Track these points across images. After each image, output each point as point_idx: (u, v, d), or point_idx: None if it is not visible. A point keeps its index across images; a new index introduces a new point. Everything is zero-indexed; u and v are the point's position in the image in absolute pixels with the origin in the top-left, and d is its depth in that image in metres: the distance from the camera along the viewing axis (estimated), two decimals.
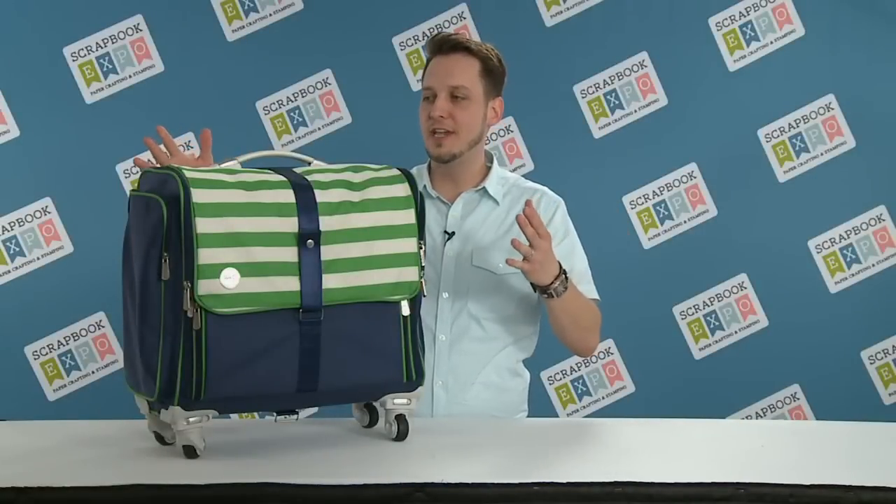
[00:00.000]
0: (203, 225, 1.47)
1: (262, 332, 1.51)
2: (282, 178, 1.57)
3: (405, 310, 1.62)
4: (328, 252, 1.55)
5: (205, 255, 1.47)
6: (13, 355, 3.07)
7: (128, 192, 3.07)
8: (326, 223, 1.55)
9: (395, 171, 1.67)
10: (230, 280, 1.49)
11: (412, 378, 1.63)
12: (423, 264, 1.64)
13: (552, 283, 1.93)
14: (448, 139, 2.02)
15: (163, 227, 1.48)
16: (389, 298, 1.60)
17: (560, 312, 2.01)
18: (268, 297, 1.51)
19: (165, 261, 1.49)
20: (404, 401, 1.63)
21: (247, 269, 1.49)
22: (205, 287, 1.47)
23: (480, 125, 2.06)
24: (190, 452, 1.51)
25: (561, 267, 1.95)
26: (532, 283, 1.98)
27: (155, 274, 1.49)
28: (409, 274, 1.62)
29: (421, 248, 1.64)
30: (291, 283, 1.52)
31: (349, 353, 1.57)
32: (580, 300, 2.04)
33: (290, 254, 1.52)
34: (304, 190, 1.55)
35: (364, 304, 1.58)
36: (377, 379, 1.61)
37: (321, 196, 1.56)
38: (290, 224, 1.53)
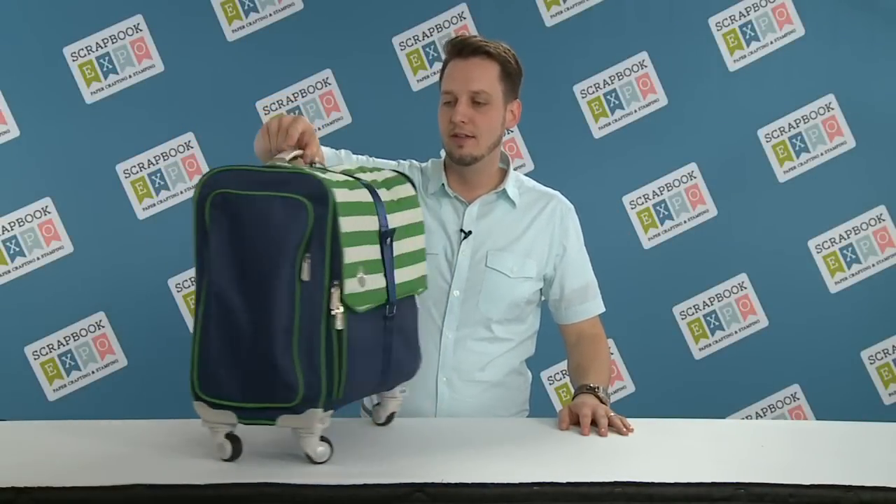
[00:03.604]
0: (344, 224, 1.47)
1: (372, 328, 1.56)
2: (349, 177, 1.58)
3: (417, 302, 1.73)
4: (396, 248, 1.61)
5: (349, 255, 1.47)
6: (13, 355, 3.07)
7: (129, 193, 3.11)
8: (391, 220, 1.60)
9: (396, 174, 1.73)
10: (364, 279, 1.51)
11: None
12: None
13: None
14: (469, 142, 2.01)
15: (308, 227, 1.45)
16: (418, 292, 1.71)
17: None
18: (377, 295, 1.55)
19: (307, 261, 1.45)
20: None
21: (367, 267, 1.53)
22: (349, 286, 1.47)
23: (500, 129, 2.05)
24: (325, 453, 1.52)
25: (594, 391, 1.91)
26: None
27: (291, 275, 1.45)
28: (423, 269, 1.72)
29: None
30: (381, 280, 1.57)
31: (402, 345, 1.65)
32: (608, 378, 2.04)
33: (377, 251, 1.56)
34: (372, 189, 1.59)
35: (409, 297, 1.68)
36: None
37: (382, 195, 1.61)
38: (374, 222, 1.56)
